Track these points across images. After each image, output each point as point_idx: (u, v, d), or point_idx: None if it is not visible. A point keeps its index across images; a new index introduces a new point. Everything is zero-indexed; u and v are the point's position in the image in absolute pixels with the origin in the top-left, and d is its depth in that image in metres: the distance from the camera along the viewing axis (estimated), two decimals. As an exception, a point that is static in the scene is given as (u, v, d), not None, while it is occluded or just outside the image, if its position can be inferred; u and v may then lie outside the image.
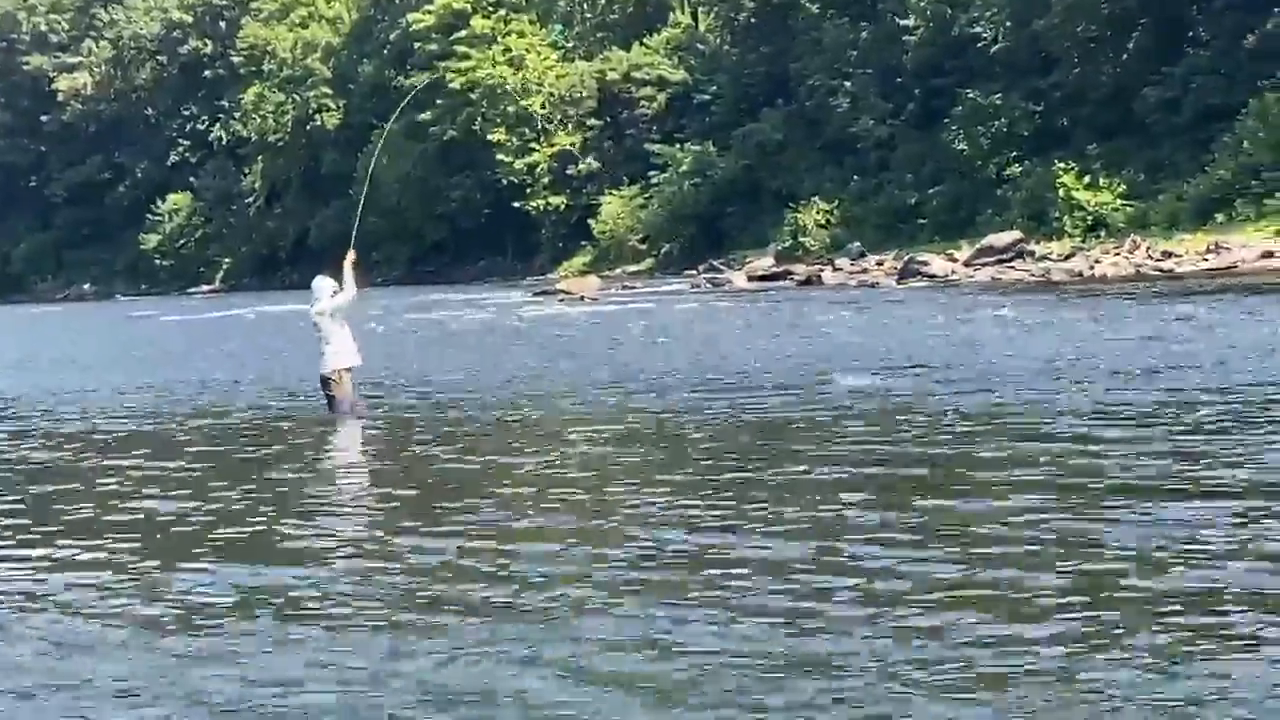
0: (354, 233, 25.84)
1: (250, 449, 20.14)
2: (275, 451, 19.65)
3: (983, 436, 16.80)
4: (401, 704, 8.16)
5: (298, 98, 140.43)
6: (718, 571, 10.62)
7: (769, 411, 20.40)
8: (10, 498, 16.84)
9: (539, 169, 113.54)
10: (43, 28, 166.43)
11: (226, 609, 10.52)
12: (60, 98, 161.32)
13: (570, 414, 22.24)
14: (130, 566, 12.25)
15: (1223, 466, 13.73)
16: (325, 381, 22.78)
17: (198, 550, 12.75)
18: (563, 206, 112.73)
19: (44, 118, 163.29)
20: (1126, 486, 12.99)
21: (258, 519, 14.14)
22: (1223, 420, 16.92)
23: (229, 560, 12.26)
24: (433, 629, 9.57)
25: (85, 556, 12.80)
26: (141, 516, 14.77)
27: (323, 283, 23.16)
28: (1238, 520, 11.31)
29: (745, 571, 10.58)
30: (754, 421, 19.50)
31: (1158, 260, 58.93)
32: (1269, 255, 55.11)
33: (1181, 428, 16.53)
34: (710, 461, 16.21)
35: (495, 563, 11.34)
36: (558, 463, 16.91)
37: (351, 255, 23.21)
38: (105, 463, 19.46)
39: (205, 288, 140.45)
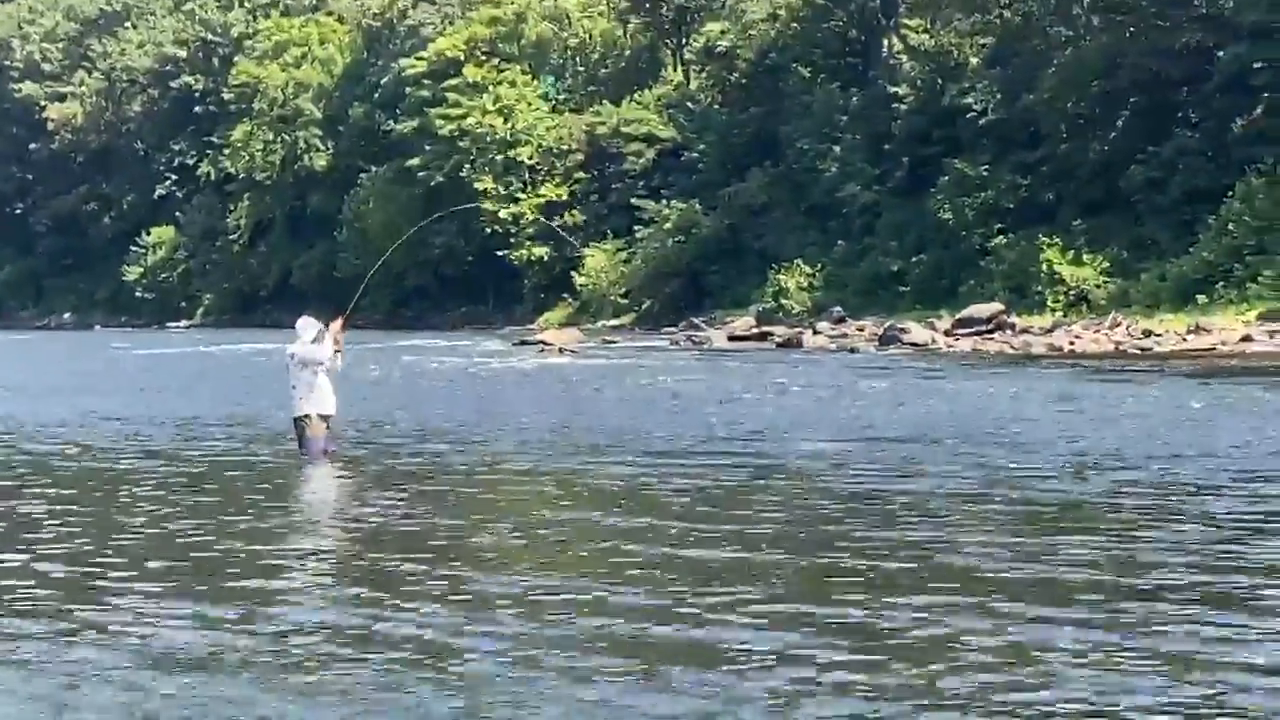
0: (351, 306, 25.96)
1: (211, 487, 20.02)
2: (239, 491, 19.54)
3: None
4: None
5: (287, 137, 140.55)
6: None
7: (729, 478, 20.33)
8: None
9: (524, 219, 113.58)
10: (36, 56, 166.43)
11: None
12: (50, 126, 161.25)
13: (530, 469, 22.13)
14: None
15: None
16: (298, 423, 22.71)
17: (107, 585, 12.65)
18: (546, 257, 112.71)
19: (32, 146, 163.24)
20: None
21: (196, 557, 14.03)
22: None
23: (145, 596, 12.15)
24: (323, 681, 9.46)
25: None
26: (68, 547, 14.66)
27: (307, 323, 23.10)
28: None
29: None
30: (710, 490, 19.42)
31: (1138, 339, 59.01)
32: (1248, 339, 55.18)
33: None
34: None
35: (429, 624, 11.23)
36: (512, 522, 16.79)
37: (339, 323, 23.17)
38: (51, 492, 19.34)
39: (185, 322, 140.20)
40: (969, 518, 16.04)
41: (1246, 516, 15.89)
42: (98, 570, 13.67)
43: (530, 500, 18.64)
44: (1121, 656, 9.80)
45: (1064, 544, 14.12)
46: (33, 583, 13.14)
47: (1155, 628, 10.54)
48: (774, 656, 9.88)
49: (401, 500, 18.45)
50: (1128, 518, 15.94)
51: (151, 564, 13.92)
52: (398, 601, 11.87)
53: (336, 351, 22.92)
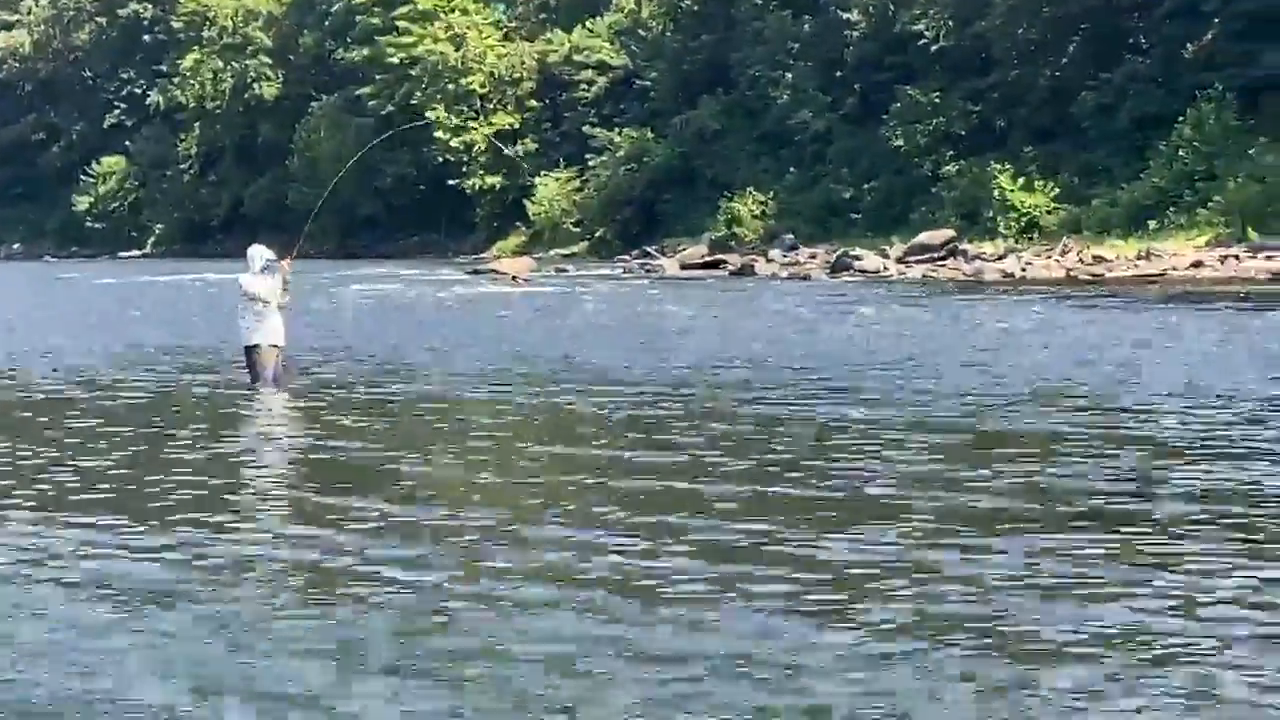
0: (300, 241, 25.88)
1: (161, 416, 19.98)
2: (188, 419, 19.50)
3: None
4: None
5: (236, 66, 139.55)
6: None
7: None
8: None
9: (476, 148, 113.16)
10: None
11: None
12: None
13: (479, 399, 22.13)
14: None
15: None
16: (248, 352, 22.65)
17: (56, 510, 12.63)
18: (498, 186, 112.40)
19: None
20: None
21: (139, 482, 14.01)
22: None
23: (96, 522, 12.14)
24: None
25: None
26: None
27: (258, 251, 23.01)
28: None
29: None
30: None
31: (1089, 264, 59.18)
32: (1198, 265, 55.41)
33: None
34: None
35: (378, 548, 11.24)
36: (460, 452, 16.78)
37: (288, 262, 23.04)
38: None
39: (136, 252, 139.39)
40: (902, 446, 16.06)
41: (1179, 441, 15.98)
42: (42, 500, 13.63)
43: (479, 430, 18.61)
44: (1046, 581, 9.86)
45: (999, 471, 14.17)
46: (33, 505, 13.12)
47: (1078, 553, 10.58)
48: (710, 586, 9.90)
49: (349, 429, 18.42)
50: (1062, 443, 16.00)
51: (96, 494, 13.88)
52: (339, 530, 11.85)
53: (285, 287, 22.81)
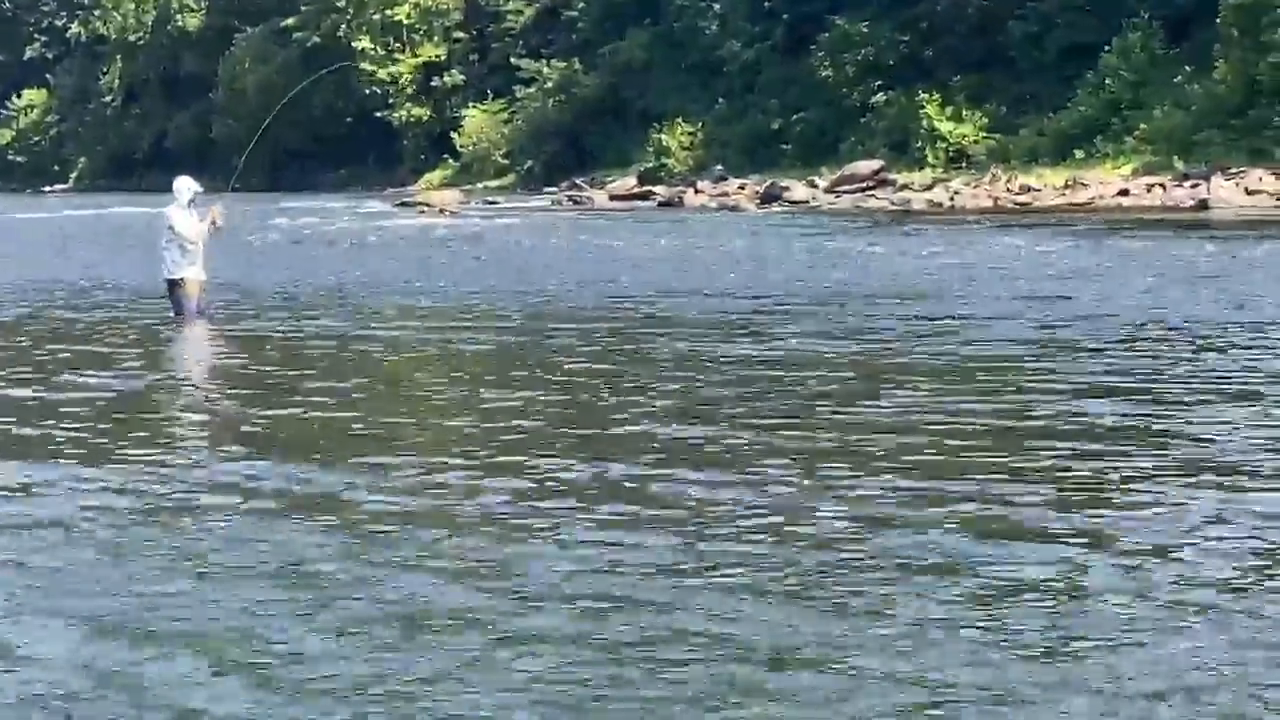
0: (234, 178, 25.74)
1: (83, 349, 19.79)
2: (112, 353, 19.30)
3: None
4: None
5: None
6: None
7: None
8: None
9: (403, 79, 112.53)
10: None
11: None
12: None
13: (401, 333, 22.01)
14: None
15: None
16: (171, 285, 22.43)
17: None
18: (425, 118, 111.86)
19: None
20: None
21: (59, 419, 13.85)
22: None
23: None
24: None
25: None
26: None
27: (184, 183, 22.76)
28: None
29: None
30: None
31: (1016, 194, 59.39)
32: (1124, 193, 55.62)
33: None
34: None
35: (303, 481, 11.10)
36: (378, 387, 16.66)
37: (218, 209, 22.71)
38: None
39: (60, 186, 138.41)
40: (811, 378, 16.02)
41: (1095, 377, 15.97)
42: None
43: (401, 366, 18.49)
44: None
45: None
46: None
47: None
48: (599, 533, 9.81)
49: (272, 365, 18.27)
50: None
51: (20, 429, 13.71)
52: (255, 462, 11.71)
53: (215, 227, 22.58)
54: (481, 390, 15.40)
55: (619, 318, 21.94)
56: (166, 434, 13.34)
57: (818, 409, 13.48)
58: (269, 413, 14.32)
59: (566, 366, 16.84)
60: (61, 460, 11.90)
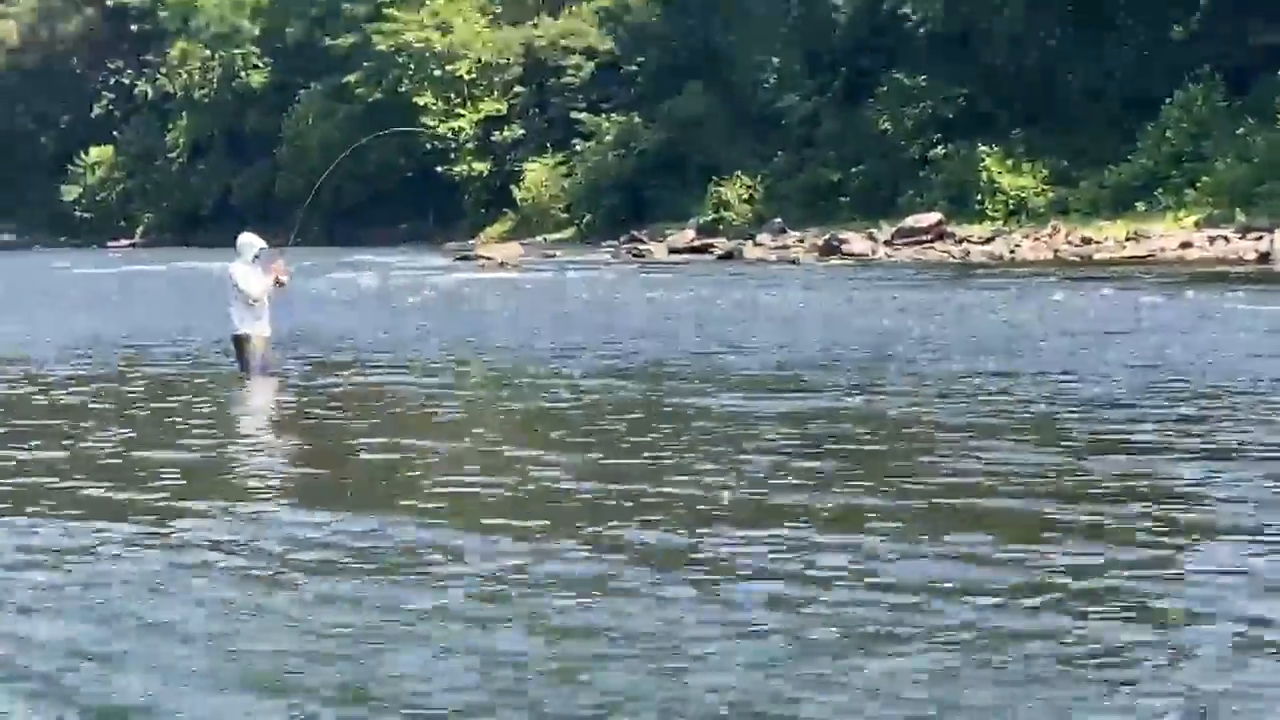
0: (294, 233, 25.98)
1: (149, 404, 20.00)
2: (176, 408, 19.51)
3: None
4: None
5: (224, 55, 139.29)
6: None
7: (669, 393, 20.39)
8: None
9: (463, 134, 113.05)
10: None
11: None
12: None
13: (476, 382, 22.18)
14: None
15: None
16: (236, 341, 22.65)
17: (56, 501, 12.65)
18: (486, 172, 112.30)
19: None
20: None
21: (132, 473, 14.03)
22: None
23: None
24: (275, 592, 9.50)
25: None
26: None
27: (249, 240, 22.96)
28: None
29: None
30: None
31: (1077, 246, 59.33)
32: (1186, 246, 55.48)
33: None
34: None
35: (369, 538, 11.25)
36: (447, 445, 16.78)
37: (281, 265, 22.92)
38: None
39: (125, 242, 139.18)
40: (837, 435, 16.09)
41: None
42: (27, 487, 13.64)
43: (465, 422, 18.61)
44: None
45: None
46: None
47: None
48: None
49: (338, 418, 18.45)
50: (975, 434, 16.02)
51: (79, 481, 13.89)
52: (321, 517, 11.86)
53: (280, 284, 22.76)
54: (539, 449, 15.49)
55: (678, 373, 22.02)
56: (229, 490, 13.48)
57: (882, 466, 13.56)
58: (330, 469, 14.51)
59: (623, 423, 16.93)
60: (128, 519, 12.05)
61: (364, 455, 15.15)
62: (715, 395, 19.05)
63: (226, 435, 17.22)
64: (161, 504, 12.61)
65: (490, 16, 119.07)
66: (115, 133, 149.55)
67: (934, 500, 11.81)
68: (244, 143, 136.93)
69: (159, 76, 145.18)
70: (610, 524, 11.24)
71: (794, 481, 12.72)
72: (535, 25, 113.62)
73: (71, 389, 22.02)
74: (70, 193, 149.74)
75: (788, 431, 15.72)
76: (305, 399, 20.43)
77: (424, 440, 16.16)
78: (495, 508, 12.05)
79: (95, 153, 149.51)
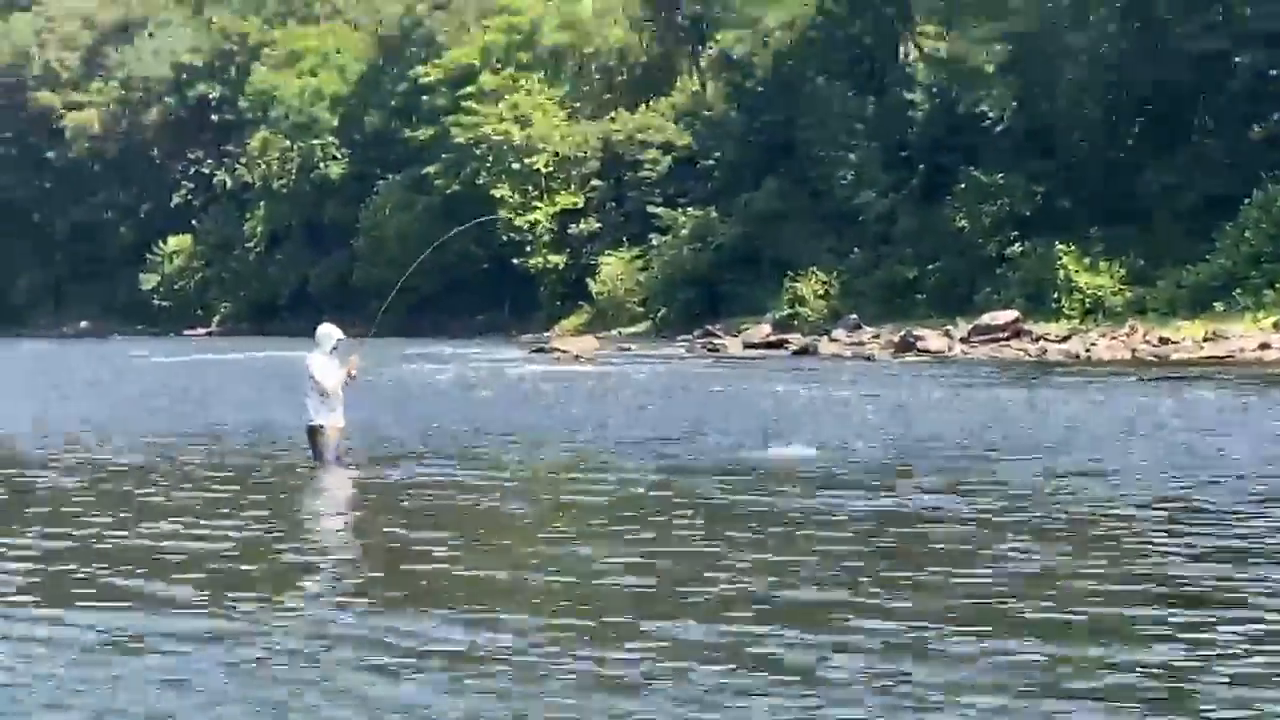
0: (373, 327, 26.19)
1: (223, 492, 20.02)
2: (250, 496, 19.53)
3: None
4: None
5: (303, 146, 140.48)
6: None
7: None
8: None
9: (540, 227, 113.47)
10: (53, 65, 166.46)
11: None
12: (67, 135, 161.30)
13: (549, 477, 22.14)
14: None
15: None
16: (311, 431, 22.71)
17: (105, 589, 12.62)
18: (562, 265, 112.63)
19: (50, 154, 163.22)
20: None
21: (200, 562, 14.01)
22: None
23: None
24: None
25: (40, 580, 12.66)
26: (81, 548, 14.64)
27: (327, 331, 23.07)
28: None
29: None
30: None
31: (1154, 346, 59.00)
32: (1266, 346, 55.09)
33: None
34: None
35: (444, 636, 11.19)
36: (516, 541, 16.73)
37: (354, 360, 23.05)
38: (85, 497, 19.33)
39: (202, 330, 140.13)
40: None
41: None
42: (101, 575, 13.64)
43: (531, 517, 18.55)
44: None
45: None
46: (33, 583, 13.13)
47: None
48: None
49: (403, 512, 18.42)
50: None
51: (155, 570, 13.89)
52: (388, 609, 11.82)
53: (351, 378, 22.87)
54: (602, 545, 15.43)
55: (745, 469, 21.94)
56: (292, 582, 13.47)
57: (949, 567, 13.44)
58: (392, 562, 14.48)
59: (691, 520, 16.88)
60: (189, 609, 12.04)
61: (421, 549, 15.11)
62: (781, 494, 18.94)
63: (285, 527, 17.23)
64: (202, 596, 12.59)
65: (568, 110, 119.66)
66: (194, 222, 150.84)
67: (975, 601, 11.71)
68: (322, 232, 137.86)
69: (238, 166, 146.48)
70: (660, 621, 11.18)
71: (844, 580, 12.63)
72: (613, 120, 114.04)
73: (136, 477, 22.09)
74: (148, 281, 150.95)
75: (839, 534, 15.60)
76: (372, 491, 20.45)
77: (483, 536, 16.17)
78: (551, 607, 11.97)
79: (174, 241, 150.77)
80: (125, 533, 16.46)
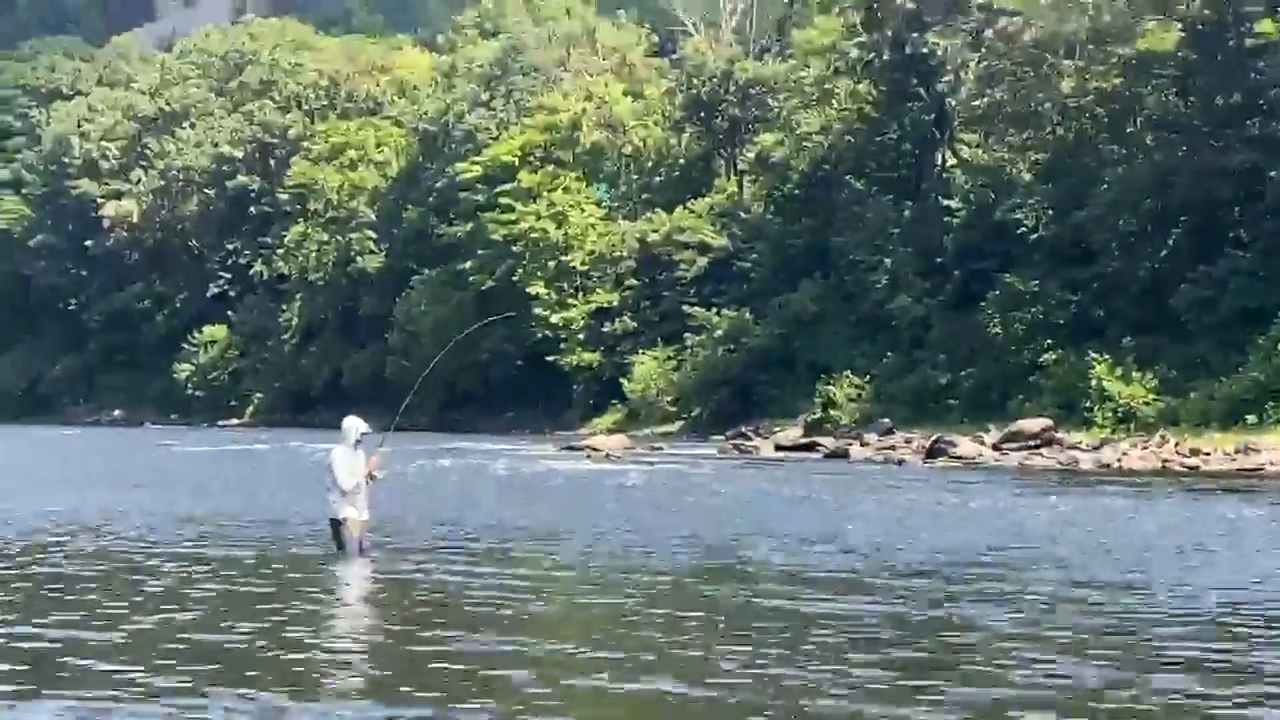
0: (395, 419, 26.32)
1: (245, 584, 20.00)
2: (272, 588, 19.50)
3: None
4: None
5: (340, 238, 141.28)
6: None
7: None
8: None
9: (574, 325, 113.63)
10: (94, 154, 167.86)
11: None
12: (106, 224, 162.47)
13: (565, 577, 22.09)
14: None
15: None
16: (334, 524, 22.74)
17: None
18: (596, 363, 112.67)
19: (88, 243, 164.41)
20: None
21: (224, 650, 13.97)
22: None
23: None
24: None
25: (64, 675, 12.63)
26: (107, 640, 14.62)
27: (352, 424, 23.14)
28: None
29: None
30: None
31: (1185, 457, 58.76)
32: (1298, 459, 54.90)
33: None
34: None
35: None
36: (538, 644, 16.65)
37: (375, 462, 23.14)
38: (104, 586, 19.32)
39: (235, 421, 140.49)
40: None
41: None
42: (126, 664, 13.61)
43: (545, 619, 18.49)
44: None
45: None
46: (55, 672, 13.10)
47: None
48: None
49: (419, 609, 18.38)
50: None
51: (173, 660, 13.86)
52: (383, 708, 11.76)
53: (373, 478, 22.93)
54: (615, 650, 15.36)
55: (769, 572, 21.87)
56: (307, 676, 13.41)
57: (946, 674, 13.36)
58: (405, 659, 14.42)
59: (701, 623, 16.81)
60: (206, 696, 12.01)
61: (438, 647, 15.04)
62: (803, 597, 18.86)
63: (300, 619, 17.15)
64: (188, 686, 12.55)
65: (605, 209, 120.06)
66: (230, 312, 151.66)
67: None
68: (357, 325, 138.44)
69: (275, 257, 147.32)
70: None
71: (859, 688, 12.54)
72: (649, 219, 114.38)
73: (150, 566, 22.10)
74: (183, 371, 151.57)
75: (856, 636, 15.51)
76: (391, 585, 20.39)
77: (488, 635, 16.07)
78: (573, 710, 11.91)
79: (209, 331, 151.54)
80: (141, 621, 16.44)
